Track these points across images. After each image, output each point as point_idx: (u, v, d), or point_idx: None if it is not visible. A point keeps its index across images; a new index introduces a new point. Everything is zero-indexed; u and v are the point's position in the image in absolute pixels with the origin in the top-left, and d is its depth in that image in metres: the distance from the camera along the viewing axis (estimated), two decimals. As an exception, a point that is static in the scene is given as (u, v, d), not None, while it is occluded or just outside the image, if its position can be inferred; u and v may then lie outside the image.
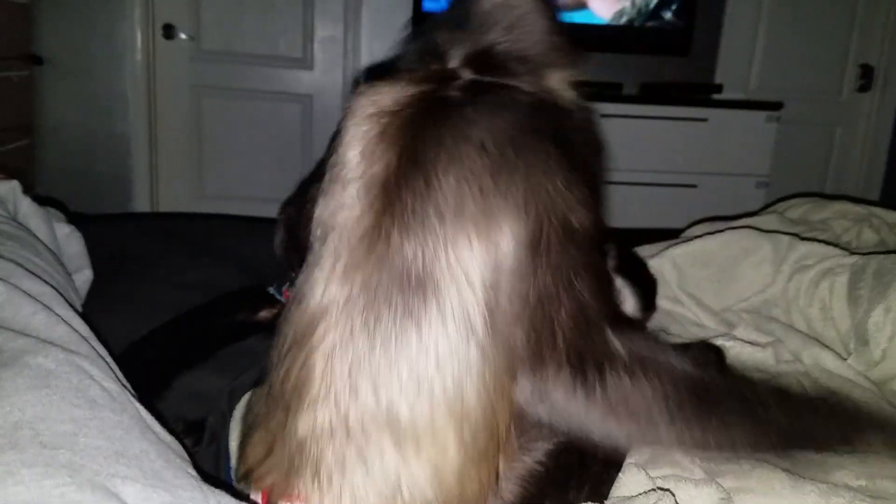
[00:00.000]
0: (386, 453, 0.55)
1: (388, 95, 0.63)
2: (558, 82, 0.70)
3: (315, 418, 0.56)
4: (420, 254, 0.55)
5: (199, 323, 1.08)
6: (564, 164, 0.59)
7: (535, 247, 0.56)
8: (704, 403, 0.58)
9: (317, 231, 0.63)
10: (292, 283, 1.12)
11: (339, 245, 0.59)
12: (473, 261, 0.55)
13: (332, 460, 0.55)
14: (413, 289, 0.55)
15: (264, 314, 1.12)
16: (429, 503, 0.55)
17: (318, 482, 0.55)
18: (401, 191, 0.58)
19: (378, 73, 0.66)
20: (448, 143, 0.58)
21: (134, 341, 0.97)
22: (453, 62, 0.67)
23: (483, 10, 0.70)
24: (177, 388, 0.96)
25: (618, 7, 2.89)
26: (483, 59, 0.67)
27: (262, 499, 0.60)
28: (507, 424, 0.58)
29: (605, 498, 0.68)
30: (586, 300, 0.57)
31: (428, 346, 0.54)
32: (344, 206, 0.61)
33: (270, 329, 1.10)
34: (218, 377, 1.00)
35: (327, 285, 0.58)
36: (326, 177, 0.64)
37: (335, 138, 0.64)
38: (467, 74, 0.65)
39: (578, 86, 0.72)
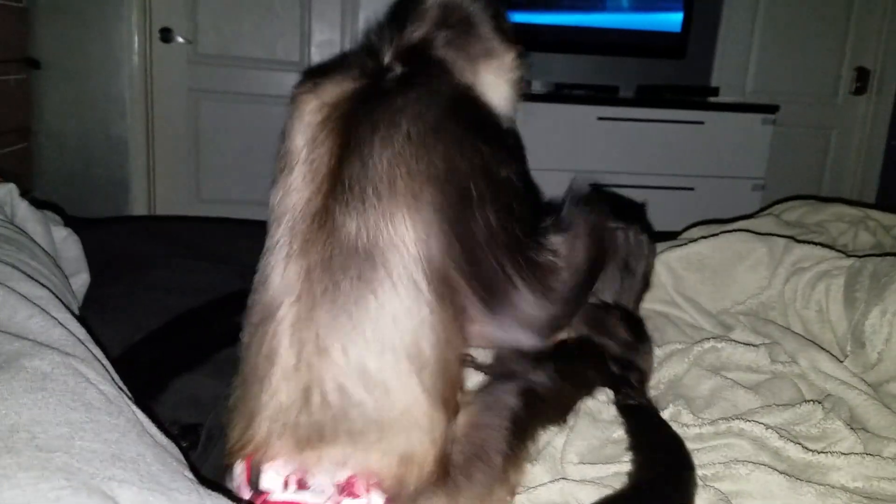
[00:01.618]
0: (361, 405, 0.62)
1: (328, 90, 0.71)
2: (492, 72, 0.78)
3: (290, 384, 0.63)
4: (364, 229, 0.63)
5: (195, 326, 1.08)
6: (480, 139, 0.70)
7: (461, 205, 0.67)
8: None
9: (271, 216, 0.70)
10: None
11: (293, 227, 0.67)
12: (408, 233, 0.64)
13: (309, 421, 0.62)
14: (363, 259, 0.63)
15: None
16: (401, 446, 0.63)
17: (298, 443, 0.62)
18: (342, 173, 0.66)
19: (318, 72, 0.73)
20: (381, 130, 0.66)
21: (131, 344, 0.97)
22: (387, 58, 0.74)
23: (421, 9, 0.78)
24: (172, 392, 0.96)
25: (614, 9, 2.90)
26: (413, 54, 0.75)
27: (246, 466, 0.64)
28: (458, 370, 0.71)
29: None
30: (517, 226, 0.72)
31: (384, 307, 0.63)
32: (293, 190, 0.68)
33: None
34: (213, 380, 1.00)
35: (287, 264, 0.66)
36: (275, 166, 0.72)
37: (283, 133, 0.72)
38: (398, 68, 0.73)
39: (515, 78, 0.82)
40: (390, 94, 0.69)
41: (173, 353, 1.01)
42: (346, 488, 0.62)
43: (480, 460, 0.70)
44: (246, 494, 0.64)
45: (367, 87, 0.71)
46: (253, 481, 0.64)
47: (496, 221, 0.70)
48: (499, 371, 0.82)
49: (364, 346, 0.62)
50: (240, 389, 0.69)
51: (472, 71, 0.77)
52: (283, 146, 0.71)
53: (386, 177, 0.64)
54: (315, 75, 0.73)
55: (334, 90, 0.71)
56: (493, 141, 0.73)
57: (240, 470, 0.65)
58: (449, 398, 0.68)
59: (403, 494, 0.64)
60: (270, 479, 0.63)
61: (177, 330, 1.05)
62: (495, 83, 0.79)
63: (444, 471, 0.67)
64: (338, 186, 0.65)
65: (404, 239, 0.64)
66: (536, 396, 0.78)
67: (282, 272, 0.66)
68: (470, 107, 0.75)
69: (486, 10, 0.81)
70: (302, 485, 0.62)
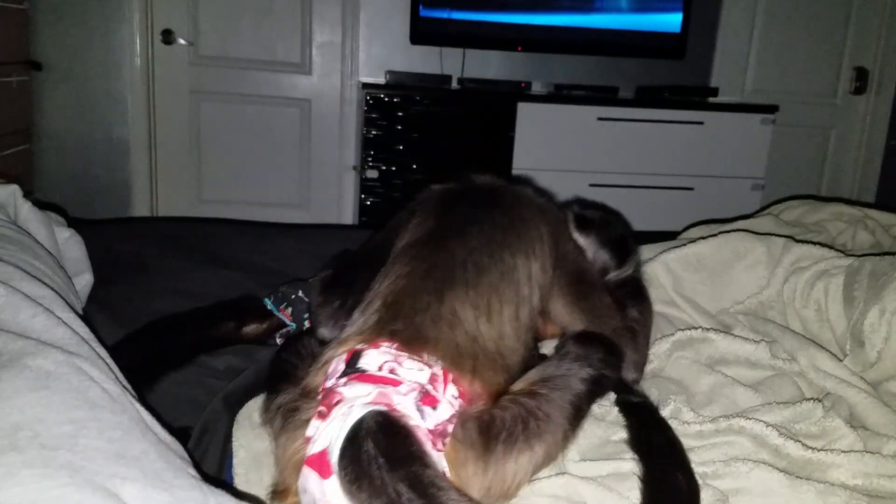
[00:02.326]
0: (468, 327, 0.79)
1: (463, 180, 1.02)
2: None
3: (414, 298, 0.79)
4: (500, 235, 0.90)
5: (174, 332, 1.07)
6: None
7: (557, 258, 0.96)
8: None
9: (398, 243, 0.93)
10: (290, 304, 1.12)
11: (433, 235, 0.90)
12: (535, 256, 0.92)
13: (420, 325, 0.76)
14: (498, 248, 0.88)
15: (252, 328, 1.12)
16: (490, 352, 0.78)
17: (404, 341, 0.74)
18: (485, 208, 0.95)
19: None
20: (521, 201, 0.99)
21: (113, 344, 0.96)
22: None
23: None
24: (170, 394, 0.96)
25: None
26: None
27: (349, 353, 0.73)
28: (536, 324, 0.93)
29: None
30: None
31: (503, 283, 0.86)
32: (432, 219, 0.93)
33: (257, 344, 1.10)
34: (213, 382, 1.01)
35: (421, 250, 0.88)
36: (405, 219, 0.97)
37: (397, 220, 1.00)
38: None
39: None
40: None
41: (149, 357, 1.01)
42: (430, 383, 0.70)
43: (527, 428, 0.73)
44: (338, 374, 0.71)
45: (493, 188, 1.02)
46: (352, 362, 0.72)
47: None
48: (576, 350, 0.85)
49: (481, 294, 0.82)
50: (367, 296, 0.83)
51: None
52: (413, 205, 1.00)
53: (522, 221, 0.94)
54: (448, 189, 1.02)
55: (469, 180, 1.04)
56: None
57: (339, 358, 0.73)
58: (515, 351, 0.83)
59: (464, 412, 0.71)
60: (369, 360, 0.71)
61: (152, 334, 1.04)
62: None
63: (492, 414, 0.73)
64: (480, 215, 0.93)
65: (529, 267, 0.90)
66: (602, 388, 0.84)
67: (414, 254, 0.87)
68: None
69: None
70: (393, 372, 0.70)
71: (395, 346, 0.73)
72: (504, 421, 0.72)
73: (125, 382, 0.66)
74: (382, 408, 0.65)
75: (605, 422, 0.87)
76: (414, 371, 0.71)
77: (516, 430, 0.72)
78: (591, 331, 0.92)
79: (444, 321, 0.78)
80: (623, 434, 0.84)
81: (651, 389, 0.96)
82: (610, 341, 0.89)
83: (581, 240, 1.04)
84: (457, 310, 0.79)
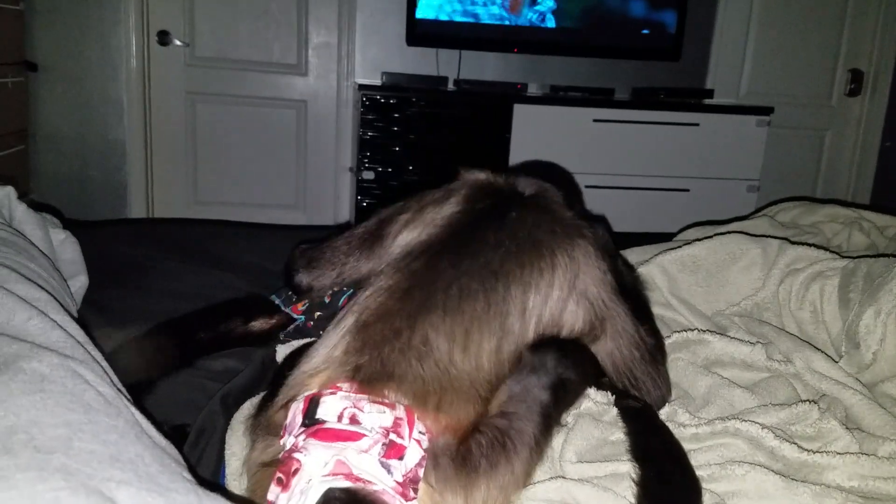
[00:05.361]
0: (436, 361, 0.74)
1: (487, 182, 0.94)
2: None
3: (379, 327, 0.75)
4: (497, 259, 0.82)
5: (183, 330, 1.07)
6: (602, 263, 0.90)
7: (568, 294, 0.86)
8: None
9: (397, 249, 0.89)
10: (299, 299, 1.11)
11: (429, 243, 0.86)
12: (539, 286, 0.83)
13: (381, 363, 0.72)
14: (490, 274, 0.81)
15: (260, 324, 1.12)
16: (451, 407, 0.73)
17: (363, 382, 0.71)
18: (488, 222, 0.87)
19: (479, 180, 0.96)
20: (531, 215, 0.89)
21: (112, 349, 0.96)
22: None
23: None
24: (168, 395, 0.96)
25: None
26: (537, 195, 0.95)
27: (305, 401, 0.70)
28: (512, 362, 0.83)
29: None
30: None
31: (488, 313, 0.79)
32: (433, 223, 0.89)
33: (264, 340, 1.10)
34: (211, 383, 1.00)
35: (412, 261, 0.83)
36: (407, 211, 0.92)
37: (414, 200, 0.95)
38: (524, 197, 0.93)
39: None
40: (521, 217, 0.89)
41: (159, 356, 1.01)
42: (393, 429, 0.67)
43: (505, 449, 0.72)
44: (297, 427, 0.68)
45: (510, 196, 0.92)
46: (310, 412, 0.69)
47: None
48: (532, 361, 0.83)
49: (459, 322, 0.77)
50: (333, 324, 0.79)
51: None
52: (422, 197, 0.94)
53: (530, 241, 0.85)
54: (485, 177, 0.95)
55: (496, 185, 0.94)
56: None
57: (298, 405, 0.70)
58: (495, 385, 0.78)
59: (435, 449, 0.70)
60: (328, 409, 0.68)
61: (165, 332, 1.04)
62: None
63: (466, 443, 0.72)
64: (482, 228, 0.86)
65: (533, 285, 0.83)
66: (564, 391, 0.82)
67: (405, 266, 0.83)
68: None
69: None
70: (354, 420, 0.67)
71: (355, 387, 0.70)
72: (481, 448, 0.71)
73: (120, 385, 0.65)
74: (342, 482, 0.62)
75: (603, 422, 0.87)
76: (375, 415, 0.68)
77: (493, 454, 0.71)
78: (545, 337, 0.88)
79: (413, 351, 0.74)
80: (621, 435, 0.84)
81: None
82: (563, 342, 0.86)
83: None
84: (429, 338, 0.75)
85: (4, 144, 2.45)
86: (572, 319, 0.86)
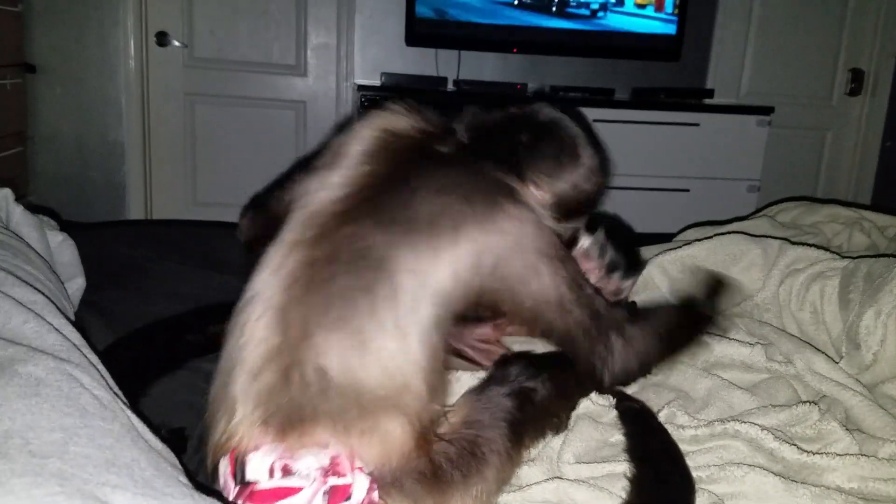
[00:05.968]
0: (339, 386, 0.65)
1: (403, 120, 0.82)
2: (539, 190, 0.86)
3: (273, 365, 0.66)
4: (382, 243, 0.69)
5: (167, 334, 1.07)
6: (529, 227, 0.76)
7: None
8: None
9: (296, 201, 0.75)
10: None
11: (313, 218, 0.72)
12: (435, 268, 0.69)
13: (290, 403, 0.64)
14: (370, 268, 0.68)
15: None
16: (379, 426, 0.66)
17: (280, 428, 0.64)
18: (384, 193, 0.72)
19: (407, 106, 0.85)
20: (439, 182, 0.73)
21: (104, 348, 0.95)
22: (459, 127, 0.85)
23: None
24: (166, 396, 0.96)
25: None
26: (478, 134, 0.85)
27: (230, 460, 0.65)
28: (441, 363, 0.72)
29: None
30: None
31: (378, 312, 0.66)
32: (327, 186, 0.74)
33: None
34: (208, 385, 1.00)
35: (292, 250, 0.71)
36: (320, 160, 0.78)
37: (333, 138, 0.79)
38: (463, 138, 0.83)
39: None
40: (450, 158, 0.78)
41: (144, 360, 1.01)
42: (332, 469, 0.63)
43: (475, 457, 0.71)
44: (232, 490, 0.64)
45: (431, 136, 0.81)
46: (238, 474, 0.64)
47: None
48: (494, 374, 0.82)
49: (349, 334, 0.66)
50: (221, 377, 0.70)
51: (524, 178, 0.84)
52: (338, 143, 0.79)
53: (426, 219, 0.70)
54: (405, 107, 0.84)
55: (408, 124, 0.82)
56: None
57: (224, 465, 0.66)
58: (434, 385, 0.70)
59: (386, 475, 0.66)
60: (255, 468, 0.63)
61: (148, 336, 1.04)
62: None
63: (428, 457, 0.68)
64: (376, 201, 0.72)
65: (425, 269, 0.69)
66: (530, 401, 0.79)
67: (283, 256, 0.71)
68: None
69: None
70: (287, 471, 0.63)
71: (275, 437, 0.64)
72: (451, 461, 0.70)
73: (116, 389, 0.65)
74: None
75: (602, 424, 0.87)
76: (310, 459, 0.63)
77: (464, 464, 0.70)
78: (515, 353, 0.85)
79: (313, 388, 0.64)
80: (620, 437, 0.84)
81: (648, 394, 0.96)
82: (532, 356, 0.83)
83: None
84: (322, 367, 0.65)
85: (3, 146, 2.45)
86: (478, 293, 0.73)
